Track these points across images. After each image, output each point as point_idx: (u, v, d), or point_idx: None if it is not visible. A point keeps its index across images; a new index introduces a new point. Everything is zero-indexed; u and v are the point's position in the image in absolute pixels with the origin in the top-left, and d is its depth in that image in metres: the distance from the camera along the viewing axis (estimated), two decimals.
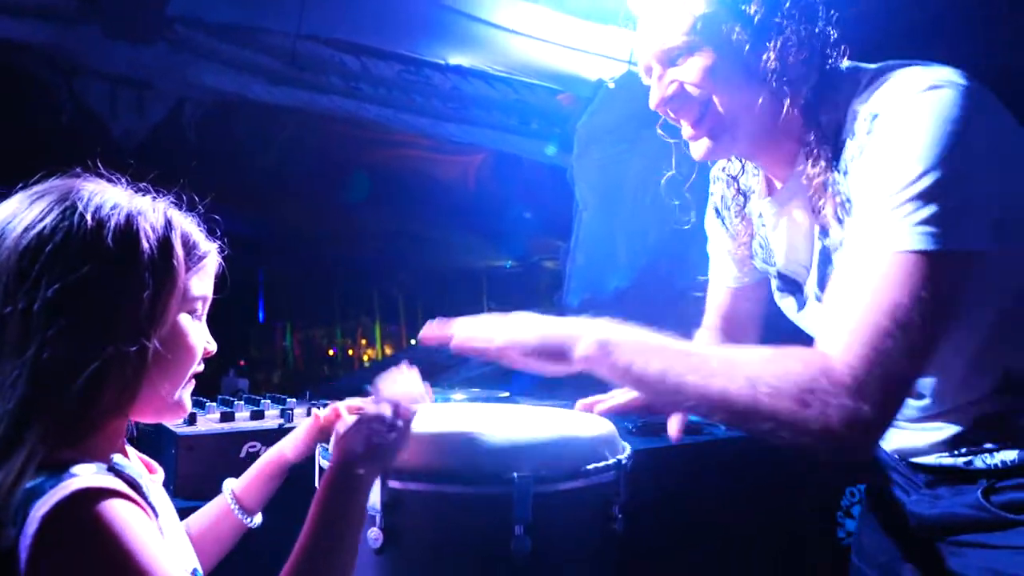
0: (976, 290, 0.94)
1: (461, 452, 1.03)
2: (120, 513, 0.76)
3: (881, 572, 1.29)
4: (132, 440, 0.98)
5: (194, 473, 1.44)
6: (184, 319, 0.92)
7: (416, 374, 1.14)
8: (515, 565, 0.98)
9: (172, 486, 1.42)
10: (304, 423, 1.26)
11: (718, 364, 0.98)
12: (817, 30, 1.07)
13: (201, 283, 0.95)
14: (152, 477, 0.99)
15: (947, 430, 1.10)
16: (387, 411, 1.00)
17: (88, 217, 0.82)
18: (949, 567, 1.13)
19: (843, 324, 0.93)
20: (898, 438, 1.19)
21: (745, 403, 0.93)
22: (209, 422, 1.56)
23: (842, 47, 1.09)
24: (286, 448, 1.24)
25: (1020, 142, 1.00)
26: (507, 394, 2.30)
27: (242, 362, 6.44)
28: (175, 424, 1.48)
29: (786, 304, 1.28)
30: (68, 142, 3.03)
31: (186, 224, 0.94)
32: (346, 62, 3.43)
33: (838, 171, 1.04)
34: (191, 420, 1.53)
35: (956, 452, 1.10)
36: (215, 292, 0.99)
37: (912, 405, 1.12)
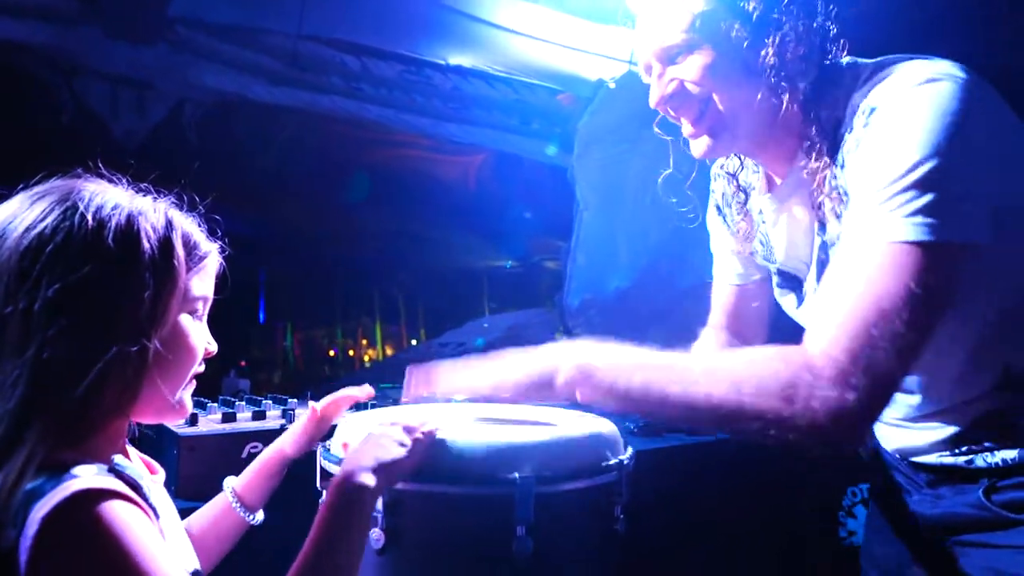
0: (973, 285, 0.94)
1: (463, 452, 1.03)
2: (120, 515, 0.76)
3: None
4: (134, 441, 0.98)
5: (196, 474, 1.44)
6: (185, 319, 0.92)
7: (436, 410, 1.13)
8: (517, 566, 0.98)
9: (174, 487, 1.42)
10: (302, 417, 1.26)
11: (700, 371, 0.99)
12: (816, 25, 1.07)
13: (202, 283, 0.95)
14: (153, 478, 0.98)
15: (947, 428, 1.10)
16: (398, 430, 1.01)
17: (89, 217, 0.82)
18: (953, 568, 1.13)
19: (830, 316, 0.93)
20: (899, 438, 1.19)
21: (730, 406, 0.93)
22: (211, 423, 1.56)
23: (841, 42, 1.09)
24: (285, 444, 1.24)
25: (1020, 139, 1.00)
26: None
27: (243, 363, 6.44)
28: (177, 425, 1.48)
29: (786, 301, 1.28)
30: (69, 142, 3.03)
31: (187, 224, 0.94)
32: (347, 62, 3.43)
33: (836, 165, 1.04)
34: (193, 421, 1.53)
35: (957, 451, 1.10)
36: (216, 292, 0.99)
37: (910, 403, 1.12)
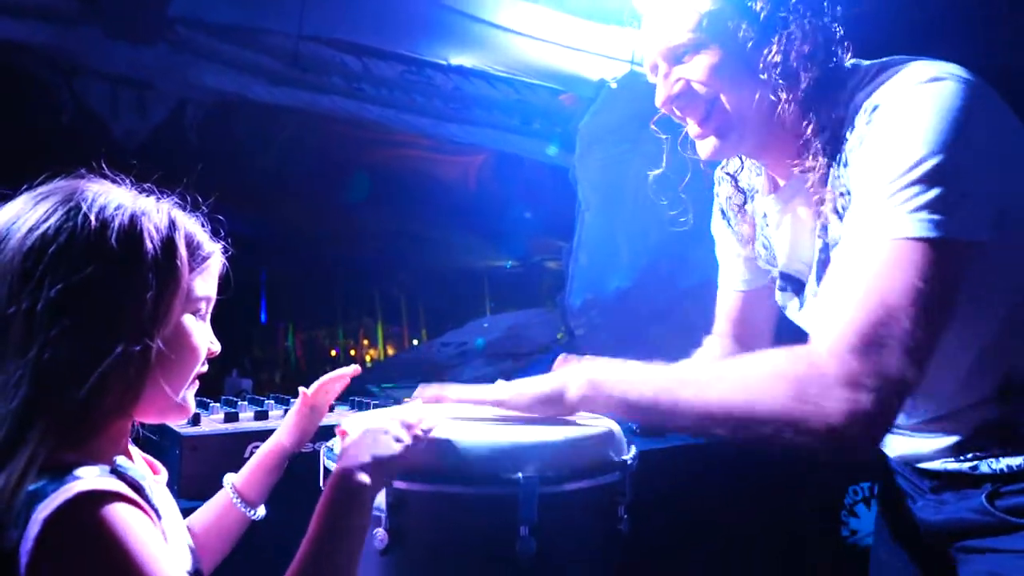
0: (975, 288, 0.93)
1: (466, 452, 1.02)
2: (122, 517, 0.76)
3: None
4: (136, 441, 0.98)
5: (198, 474, 1.44)
6: (188, 319, 0.92)
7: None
8: (520, 566, 0.97)
9: (176, 486, 1.42)
10: (294, 406, 1.26)
11: (708, 379, 0.98)
12: (822, 25, 1.07)
13: (205, 283, 0.95)
14: (156, 477, 0.98)
15: (951, 435, 1.09)
16: (395, 425, 1.00)
17: (92, 218, 0.82)
18: (957, 574, 1.12)
19: (835, 315, 0.92)
20: (903, 444, 1.18)
21: (742, 411, 0.93)
22: (213, 423, 1.56)
23: (846, 44, 1.09)
24: (282, 437, 1.24)
25: (1020, 140, 1.00)
26: None
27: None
28: (179, 425, 1.48)
29: (788, 304, 1.27)
30: (69, 143, 3.03)
31: (190, 224, 0.94)
32: (347, 62, 3.43)
33: (839, 164, 1.04)
34: (195, 421, 1.53)
35: (962, 457, 1.09)
36: (219, 293, 0.99)
37: (914, 409, 1.11)
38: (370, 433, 0.99)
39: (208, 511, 1.20)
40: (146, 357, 0.84)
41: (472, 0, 3.44)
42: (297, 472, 1.25)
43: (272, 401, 1.82)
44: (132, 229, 0.84)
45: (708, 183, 1.42)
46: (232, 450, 1.49)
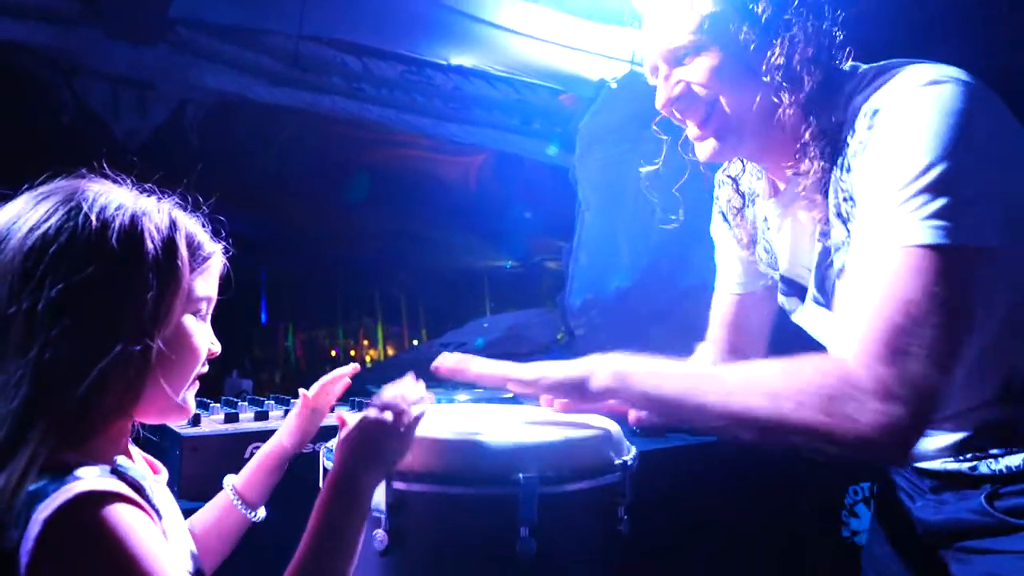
0: (980, 290, 0.93)
1: (466, 453, 1.02)
2: (123, 517, 0.76)
3: None
4: (136, 441, 0.98)
5: (199, 474, 1.44)
6: (188, 320, 0.92)
7: (420, 383, 1.13)
8: (520, 567, 0.97)
9: (177, 487, 1.42)
10: (295, 408, 1.26)
11: (736, 382, 0.98)
12: (823, 29, 1.06)
13: (205, 284, 0.95)
14: (156, 478, 0.98)
15: (952, 435, 1.09)
16: (388, 415, 1.00)
17: (93, 218, 0.82)
18: (955, 574, 1.12)
19: (857, 326, 0.92)
20: None
21: (768, 418, 0.93)
22: (213, 423, 1.56)
23: (847, 48, 1.09)
24: (283, 438, 1.24)
25: (1020, 142, 1.00)
26: (512, 395, 2.29)
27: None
28: (179, 425, 1.48)
29: (791, 307, 1.27)
30: (70, 143, 3.03)
31: (191, 225, 0.94)
32: (348, 63, 3.43)
33: (840, 168, 1.04)
34: (195, 421, 1.53)
35: (962, 457, 1.09)
36: (219, 293, 0.99)
37: None
38: (365, 425, 0.99)
39: (208, 512, 1.20)
40: (146, 357, 0.84)
41: (472, 0, 3.44)
42: (297, 473, 1.25)
43: (272, 401, 1.82)
44: (133, 229, 0.84)
45: (709, 185, 1.42)
46: (232, 451, 1.49)
